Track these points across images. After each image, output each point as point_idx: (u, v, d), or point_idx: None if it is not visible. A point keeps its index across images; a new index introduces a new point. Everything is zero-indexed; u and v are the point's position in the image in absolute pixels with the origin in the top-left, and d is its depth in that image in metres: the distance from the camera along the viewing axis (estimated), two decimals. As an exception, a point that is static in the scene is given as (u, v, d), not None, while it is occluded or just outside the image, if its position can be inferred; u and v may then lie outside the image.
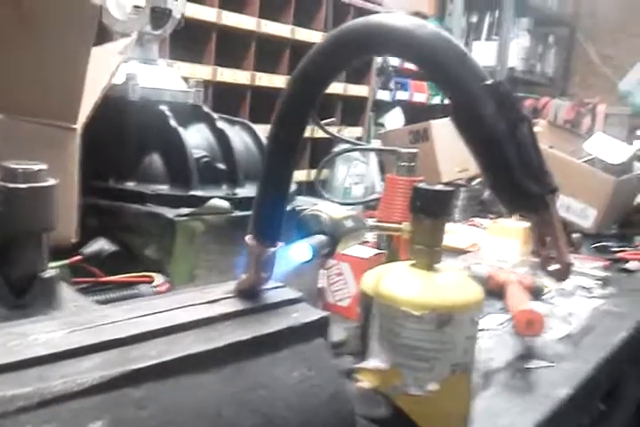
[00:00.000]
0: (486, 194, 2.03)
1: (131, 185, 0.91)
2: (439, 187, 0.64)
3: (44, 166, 0.48)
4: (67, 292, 0.53)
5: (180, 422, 0.29)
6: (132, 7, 0.97)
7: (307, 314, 0.37)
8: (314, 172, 1.68)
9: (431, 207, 0.63)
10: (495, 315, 1.03)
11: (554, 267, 0.36)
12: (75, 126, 0.79)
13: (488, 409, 0.72)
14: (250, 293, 0.39)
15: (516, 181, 0.33)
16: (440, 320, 0.59)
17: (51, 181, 0.49)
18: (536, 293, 1.13)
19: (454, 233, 1.57)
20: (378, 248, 1.12)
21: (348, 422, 0.34)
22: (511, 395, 0.80)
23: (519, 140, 0.33)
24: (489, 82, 0.33)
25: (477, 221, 1.76)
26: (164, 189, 0.91)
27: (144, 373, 0.29)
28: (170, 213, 0.84)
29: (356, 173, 1.83)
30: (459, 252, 1.48)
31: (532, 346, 0.92)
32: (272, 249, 0.40)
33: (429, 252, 0.63)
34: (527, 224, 1.48)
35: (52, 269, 0.49)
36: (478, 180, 2.06)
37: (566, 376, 0.84)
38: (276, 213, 0.40)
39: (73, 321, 0.32)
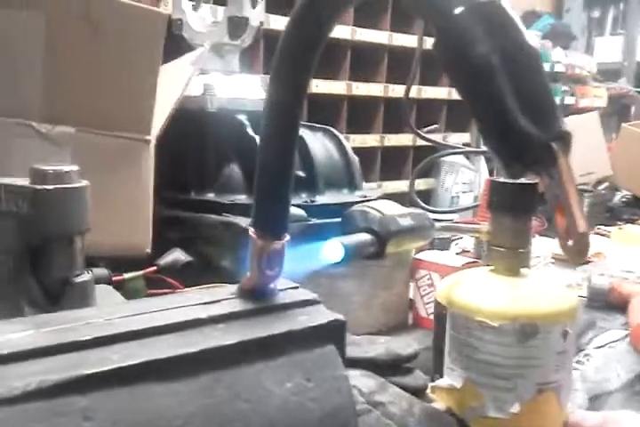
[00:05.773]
0: (615, 199, 1.86)
1: (210, 196, 0.90)
2: (519, 180, 0.56)
3: (74, 167, 0.46)
4: (112, 297, 0.51)
5: (132, 437, 0.25)
6: (212, 19, 0.97)
7: (316, 317, 0.32)
8: (419, 181, 1.61)
9: (511, 203, 0.56)
10: (615, 331, 0.91)
11: (570, 242, 0.28)
12: (148, 138, 0.79)
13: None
14: (255, 293, 0.35)
15: (510, 122, 0.26)
16: (523, 332, 0.51)
17: (82, 183, 0.47)
18: (665, 305, 0.99)
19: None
20: (478, 258, 1.04)
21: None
22: (626, 422, 0.69)
23: (515, 72, 0.26)
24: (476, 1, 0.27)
25: (604, 228, 1.60)
26: (242, 198, 0.89)
27: (96, 379, 0.25)
28: (245, 222, 0.82)
29: (464, 181, 1.73)
30: (580, 262, 1.35)
31: (655, 366, 0.79)
32: (278, 243, 0.35)
33: (511, 254, 0.56)
34: (656, 229, 1.32)
35: (86, 274, 0.47)
36: (605, 184, 1.89)
37: (697, 401, 0.72)
38: (280, 200, 0.35)
39: (45, 321, 0.29)
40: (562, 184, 0.27)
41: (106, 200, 0.72)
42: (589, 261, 1.38)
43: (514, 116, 0.26)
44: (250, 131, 0.90)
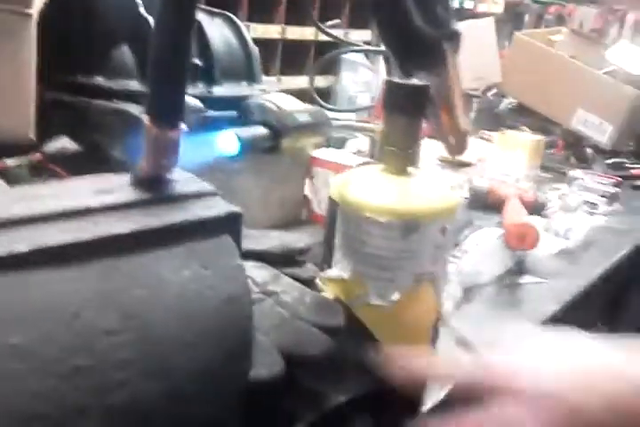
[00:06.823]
0: (502, 106, 1.93)
1: (99, 80, 0.84)
2: (414, 81, 0.57)
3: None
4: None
5: (24, 321, 0.24)
6: None
7: (213, 208, 0.32)
8: (318, 78, 1.58)
9: (404, 104, 0.56)
10: (490, 228, 0.98)
11: (451, 138, 0.29)
12: (29, 11, 0.72)
13: (467, 322, 0.68)
14: (150, 183, 0.34)
15: (407, 21, 0.26)
16: (405, 227, 0.54)
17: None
18: (537, 207, 1.07)
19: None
20: (372, 157, 1.07)
21: (241, 330, 0.30)
22: (495, 310, 0.76)
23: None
24: None
25: (488, 133, 1.67)
26: (134, 84, 0.84)
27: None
28: (137, 109, 0.78)
29: (362, 80, 1.72)
30: (463, 165, 1.42)
31: (523, 261, 0.87)
32: (173, 132, 0.34)
33: (401, 154, 0.57)
34: (536, 137, 1.40)
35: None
36: (494, 91, 1.96)
37: (557, 293, 0.80)
38: (175, 88, 0.33)
39: None
40: (448, 83, 0.28)
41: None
42: (471, 164, 1.45)
43: (411, 16, 0.26)
44: (142, 10, 0.84)
